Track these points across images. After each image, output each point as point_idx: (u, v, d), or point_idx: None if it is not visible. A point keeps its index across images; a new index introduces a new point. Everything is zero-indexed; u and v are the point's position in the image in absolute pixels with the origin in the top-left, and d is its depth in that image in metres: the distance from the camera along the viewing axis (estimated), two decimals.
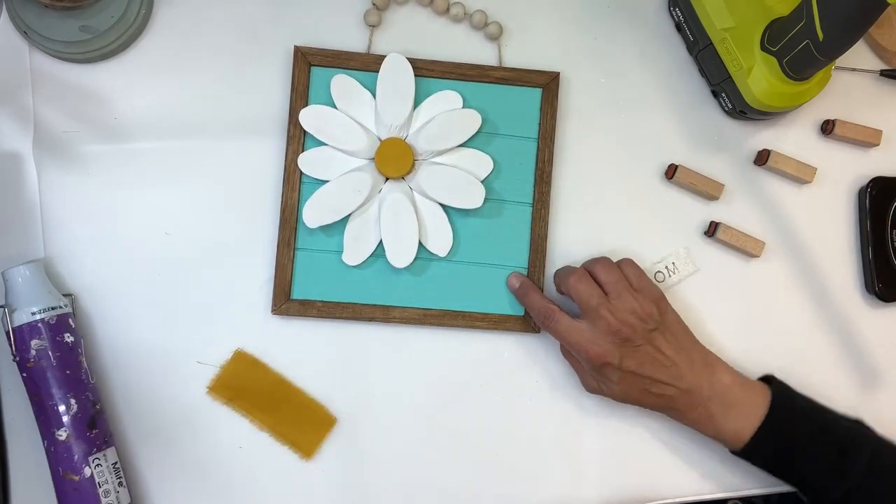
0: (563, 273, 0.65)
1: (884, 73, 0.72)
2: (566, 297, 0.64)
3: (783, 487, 0.68)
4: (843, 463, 0.60)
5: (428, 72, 0.68)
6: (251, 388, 0.66)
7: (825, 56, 0.60)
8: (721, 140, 0.71)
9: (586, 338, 0.61)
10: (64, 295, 0.64)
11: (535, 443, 0.68)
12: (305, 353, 0.67)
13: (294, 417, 0.67)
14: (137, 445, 0.66)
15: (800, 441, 0.62)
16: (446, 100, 0.67)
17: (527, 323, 0.68)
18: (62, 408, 0.61)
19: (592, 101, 0.70)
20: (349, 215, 0.66)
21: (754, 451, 0.62)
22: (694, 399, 0.62)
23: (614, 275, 0.63)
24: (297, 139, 0.67)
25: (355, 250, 0.66)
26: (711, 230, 0.70)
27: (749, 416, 0.62)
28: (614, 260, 0.65)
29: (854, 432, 0.62)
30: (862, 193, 0.71)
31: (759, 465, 0.64)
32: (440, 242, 0.67)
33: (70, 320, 0.63)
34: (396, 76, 0.66)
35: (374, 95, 0.67)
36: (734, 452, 0.64)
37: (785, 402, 0.63)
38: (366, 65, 0.67)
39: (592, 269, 0.64)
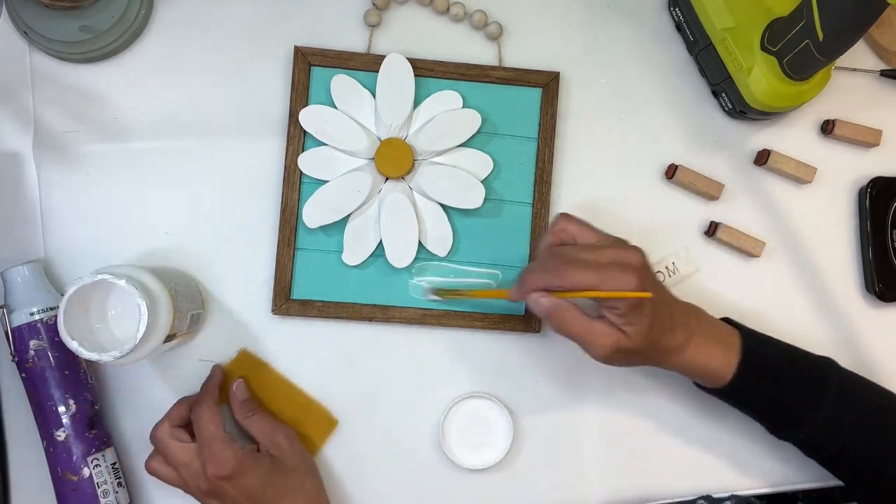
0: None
1: (884, 73, 0.72)
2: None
3: (782, 487, 0.68)
4: (816, 394, 0.60)
5: (428, 72, 0.68)
6: (253, 389, 0.66)
7: (825, 56, 0.60)
8: (721, 140, 0.71)
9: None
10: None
11: (535, 443, 0.68)
12: (305, 353, 0.67)
13: (296, 418, 0.67)
14: (137, 446, 0.66)
15: (778, 371, 0.61)
16: (446, 100, 0.67)
17: (527, 323, 0.67)
18: (61, 408, 0.61)
19: (592, 100, 0.70)
20: (349, 215, 0.66)
21: (742, 385, 0.60)
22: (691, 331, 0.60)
23: None
24: (297, 139, 0.67)
25: (355, 250, 0.66)
26: (711, 230, 0.70)
27: (731, 349, 0.60)
28: None
29: (821, 365, 0.62)
30: (862, 193, 0.71)
31: (746, 402, 0.62)
32: (440, 242, 0.67)
33: None
34: (396, 76, 0.66)
35: (374, 95, 0.67)
36: (720, 391, 0.61)
37: (755, 335, 0.62)
38: (366, 65, 0.67)
39: None
